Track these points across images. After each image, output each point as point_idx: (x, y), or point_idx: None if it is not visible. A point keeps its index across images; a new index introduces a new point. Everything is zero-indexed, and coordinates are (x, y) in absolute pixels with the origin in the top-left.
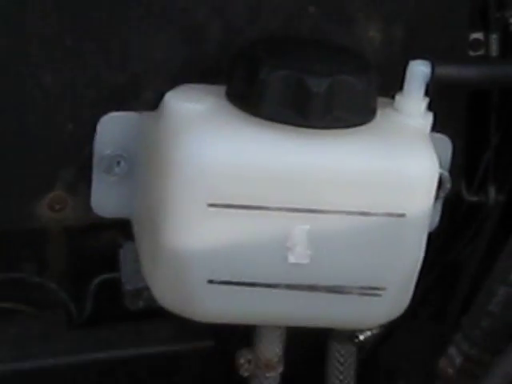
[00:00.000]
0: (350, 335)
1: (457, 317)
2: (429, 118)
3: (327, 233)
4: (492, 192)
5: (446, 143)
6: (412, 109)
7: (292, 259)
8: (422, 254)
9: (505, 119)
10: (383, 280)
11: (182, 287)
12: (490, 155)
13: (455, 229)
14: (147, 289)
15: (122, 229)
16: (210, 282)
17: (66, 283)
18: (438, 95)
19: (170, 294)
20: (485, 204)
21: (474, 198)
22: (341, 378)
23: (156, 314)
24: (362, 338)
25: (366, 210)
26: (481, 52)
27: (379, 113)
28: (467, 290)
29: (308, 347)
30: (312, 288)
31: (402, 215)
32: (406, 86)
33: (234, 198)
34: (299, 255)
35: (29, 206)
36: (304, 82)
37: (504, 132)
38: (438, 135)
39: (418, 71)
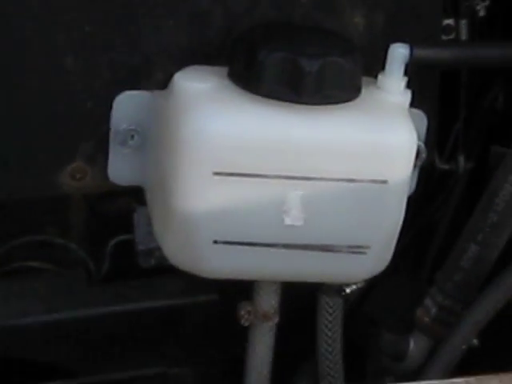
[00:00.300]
0: (337, 289)
1: (431, 271)
2: (408, 96)
3: (319, 198)
4: (461, 161)
5: (421, 118)
6: (393, 87)
7: (288, 221)
8: (402, 216)
9: (472, 95)
10: (368, 239)
11: (190, 247)
12: (459, 128)
13: (429, 193)
14: (158, 249)
15: (136, 195)
16: (215, 242)
17: (86, 244)
18: (415, 75)
19: (179, 253)
20: (455, 171)
21: (446, 166)
22: (329, 326)
23: (166, 270)
24: (348, 291)
25: (353, 177)
26: (452, 36)
27: (364, 90)
28: (439, 247)
29: (300, 300)
30: (305, 247)
31: (385, 182)
32: (388, 66)
33: (236, 167)
34: (294, 218)
35: (52, 176)
36: (298, 63)
37: (471, 107)
38: (415, 110)
39: (399, 53)
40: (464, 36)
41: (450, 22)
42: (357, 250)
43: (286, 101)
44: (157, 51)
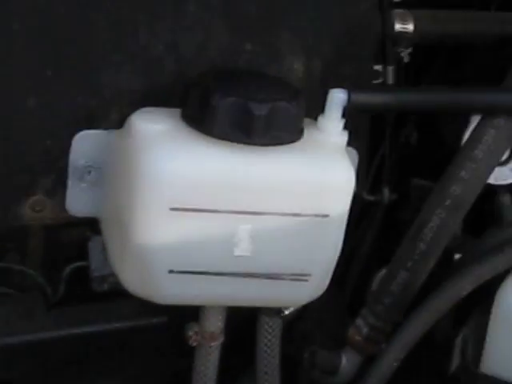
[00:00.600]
0: (277, 310)
1: (352, 290)
2: (345, 136)
3: (266, 231)
4: (386, 192)
5: (354, 155)
6: (332, 129)
7: (237, 252)
8: (340, 246)
9: (395, 134)
10: (310, 268)
11: (147, 276)
12: (382, 161)
13: (355, 222)
14: (112, 275)
15: (91, 225)
16: (171, 271)
17: (44, 270)
18: (350, 116)
19: (135, 281)
20: (380, 202)
21: (372, 198)
22: (269, 344)
23: (118, 294)
24: (287, 312)
25: (297, 211)
26: (380, 80)
27: (305, 132)
28: (358, 272)
29: (243, 320)
30: (252, 275)
31: (326, 216)
32: (327, 109)
33: (192, 203)
34: (243, 249)
35: (14, 208)
36: (248, 107)
37: (394, 145)
38: (349, 148)
39: (337, 98)
40: (390, 80)
41: (378, 67)
42: (299, 277)
43: (237, 142)
44: (113, 94)
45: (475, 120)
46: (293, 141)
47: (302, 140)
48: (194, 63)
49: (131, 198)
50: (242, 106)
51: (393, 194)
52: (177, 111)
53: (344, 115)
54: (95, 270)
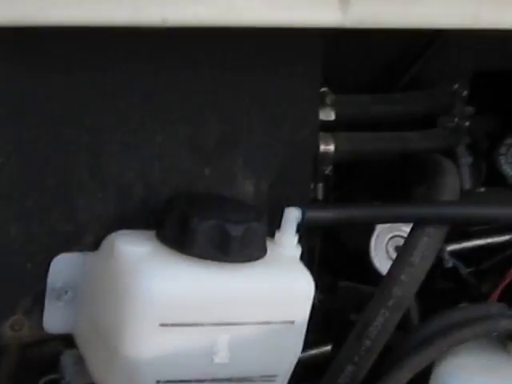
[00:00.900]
0: None
1: None
2: (299, 249)
3: (242, 339)
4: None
5: None
6: (288, 243)
7: (216, 360)
8: (301, 346)
9: None
10: (277, 369)
11: None
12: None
13: None
14: None
15: (64, 340)
16: (158, 382)
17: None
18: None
19: None
20: None
21: None
22: None
23: None
24: None
25: (268, 319)
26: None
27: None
28: None
29: None
30: (229, 379)
31: (292, 322)
32: (283, 226)
33: (177, 318)
34: (222, 357)
35: None
36: (225, 229)
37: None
38: None
39: (291, 215)
40: (320, 196)
41: (312, 185)
42: (268, 378)
43: (215, 260)
44: (88, 219)
45: (379, 228)
46: (261, 257)
47: (266, 255)
48: (161, 188)
49: (119, 316)
50: (219, 228)
51: (321, 294)
52: (150, 233)
53: (298, 230)
54: (69, 382)
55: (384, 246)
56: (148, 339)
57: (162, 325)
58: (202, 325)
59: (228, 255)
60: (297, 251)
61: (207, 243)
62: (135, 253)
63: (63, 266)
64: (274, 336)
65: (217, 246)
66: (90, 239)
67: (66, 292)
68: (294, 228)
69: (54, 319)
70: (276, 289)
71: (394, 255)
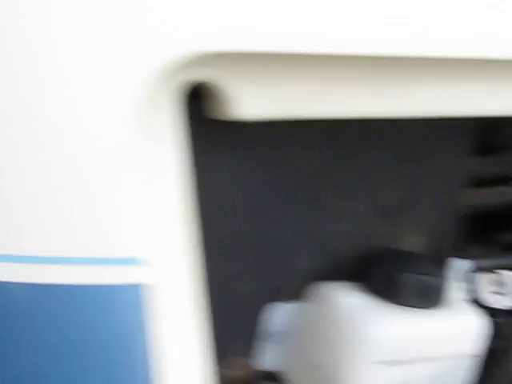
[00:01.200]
0: None
1: None
2: (467, 294)
3: (437, 372)
4: None
5: None
6: (458, 289)
7: None
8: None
9: None
10: None
11: None
12: None
13: None
14: None
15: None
16: None
17: None
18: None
19: None
20: None
21: None
22: None
23: None
24: None
25: (452, 353)
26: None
27: None
28: None
29: None
30: None
31: (470, 355)
32: (453, 275)
33: (390, 357)
34: None
35: None
36: (426, 282)
37: None
38: None
39: (460, 265)
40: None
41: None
42: None
43: (418, 308)
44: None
45: None
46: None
47: None
48: (353, 248)
49: (343, 357)
50: (422, 281)
51: None
52: (356, 285)
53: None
54: None
55: None
56: (367, 376)
57: (379, 363)
58: (407, 362)
59: (427, 304)
60: (465, 296)
61: (412, 294)
62: (350, 303)
63: (278, 314)
64: (451, 371)
65: (420, 296)
66: (302, 292)
67: (279, 335)
68: (463, 276)
69: (269, 358)
70: (459, 326)
71: None
